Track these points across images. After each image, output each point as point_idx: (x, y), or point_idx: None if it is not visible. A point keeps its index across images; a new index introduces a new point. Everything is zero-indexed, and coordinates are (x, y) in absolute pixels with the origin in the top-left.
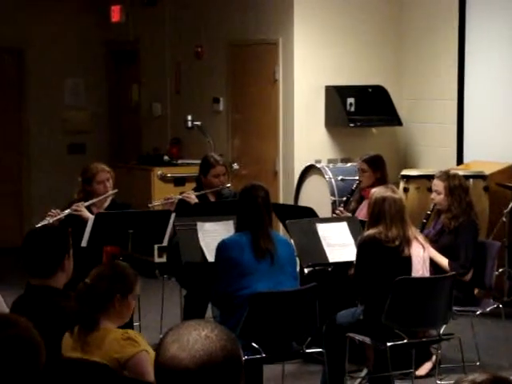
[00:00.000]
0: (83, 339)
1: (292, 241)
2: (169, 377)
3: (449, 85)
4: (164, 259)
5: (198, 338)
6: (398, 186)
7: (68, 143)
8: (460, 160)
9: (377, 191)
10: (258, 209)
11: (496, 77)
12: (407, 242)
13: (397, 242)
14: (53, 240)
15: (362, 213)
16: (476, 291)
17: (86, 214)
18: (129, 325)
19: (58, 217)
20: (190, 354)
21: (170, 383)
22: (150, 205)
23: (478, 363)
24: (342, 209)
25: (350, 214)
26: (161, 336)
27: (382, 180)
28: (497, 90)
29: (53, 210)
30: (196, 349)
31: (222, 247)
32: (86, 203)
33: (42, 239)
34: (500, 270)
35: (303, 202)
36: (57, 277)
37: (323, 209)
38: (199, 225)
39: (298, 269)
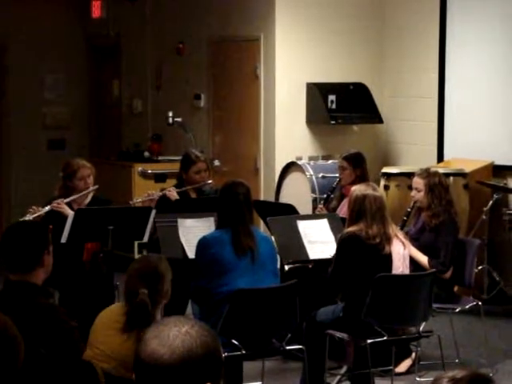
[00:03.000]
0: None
1: (273, 238)
2: (148, 372)
3: (430, 83)
4: None
5: (178, 334)
6: (378, 184)
7: (48, 139)
8: (440, 158)
9: (357, 189)
10: (238, 205)
11: (477, 75)
12: (388, 240)
13: (377, 240)
14: (31, 235)
15: (343, 210)
16: (456, 289)
17: (67, 210)
18: None
19: (38, 213)
20: (170, 350)
21: (150, 379)
22: (131, 202)
23: (457, 360)
24: (322, 206)
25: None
26: None
27: (362, 177)
28: (477, 88)
29: (33, 207)
30: (176, 344)
31: (203, 244)
32: (67, 199)
33: (21, 234)
34: (479, 268)
35: (284, 199)
36: (36, 272)
37: (304, 206)
38: (180, 221)
39: (278, 266)
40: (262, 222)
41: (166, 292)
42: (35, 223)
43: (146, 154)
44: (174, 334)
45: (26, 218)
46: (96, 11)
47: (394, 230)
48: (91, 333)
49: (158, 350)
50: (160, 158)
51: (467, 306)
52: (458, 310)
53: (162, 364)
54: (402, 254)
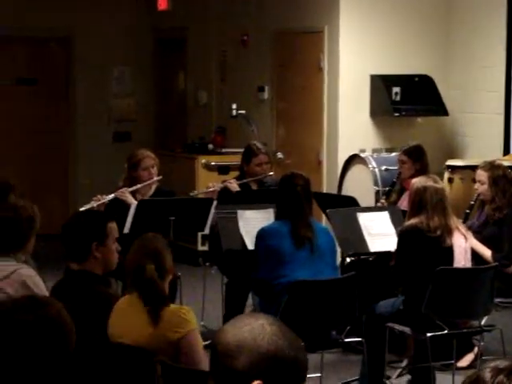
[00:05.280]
0: (158, 317)
1: (333, 230)
2: (212, 349)
3: (496, 75)
4: (207, 247)
5: (251, 322)
6: (442, 177)
7: (114, 131)
8: (507, 151)
9: (418, 181)
10: (297, 197)
11: None
12: (449, 232)
13: (438, 232)
14: (81, 227)
15: (403, 204)
16: None
17: (131, 199)
18: None
19: (102, 201)
20: (235, 330)
21: (212, 355)
22: (191, 193)
23: None
24: (383, 201)
25: None
26: (202, 323)
27: (422, 171)
28: None
29: (98, 196)
30: (244, 329)
31: (262, 235)
32: (131, 189)
33: (74, 225)
34: None
35: (347, 191)
36: (90, 262)
37: (367, 199)
38: (239, 212)
39: (338, 258)
40: (323, 215)
41: (170, 267)
42: (89, 214)
43: (210, 146)
44: (249, 322)
45: (89, 206)
46: (162, 3)
47: (455, 222)
48: (109, 328)
49: (227, 329)
50: (223, 150)
51: None
52: None
53: (219, 341)
54: (464, 247)
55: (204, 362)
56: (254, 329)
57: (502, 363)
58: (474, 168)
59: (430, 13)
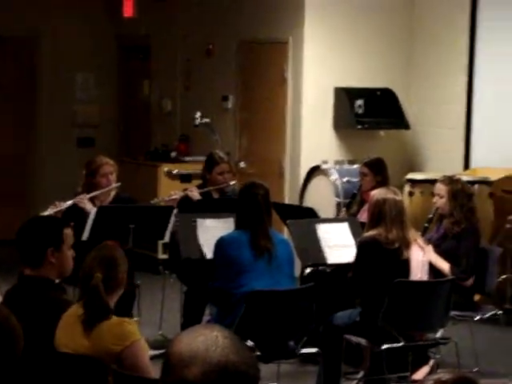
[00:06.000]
0: (92, 329)
1: (292, 240)
2: (165, 358)
3: (457, 89)
4: (167, 255)
5: (205, 333)
6: (402, 190)
7: (77, 137)
8: (466, 165)
9: (378, 192)
10: (257, 207)
11: (505, 81)
12: (406, 245)
13: (396, 245)
14: (36, 232)
15: (363, 216)
16: (478, 297)
17: (89, 206)
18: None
19: (60, 207)
20: (188, 340)
21: (164, 364)
22: (152, 201)
23: (476, 369)
24: (344, 213)
25: None
26: (160, 332)
27: (382, 183)
28: (506, 95)
29: (56, 202)
30: (197, 339)
31: (221, 244)
32: (89, 195)
33: (28, 230)
34: (504, 277)
35: (308, 202)
36: (45, 268)
37: (328, 210)
38: (199, 221)
39: (297, 269)
40: (283, 225)
41: (122, 280)
42: (45, 219)
43: (173, 154)
44: (203, 333)
45: (47, 213)
46: (127, 11)
47: (413, 235)
48: (55, 336)
49: (181, 338)
50: (186, 158)
51: (487, 315)
52: (477, 318)
53: (173, 350)
54: (421, 260)
55: (149, 372)
56: (208, 340)
57: (444, 375)
58: (433, 182)
59: (393, 28)
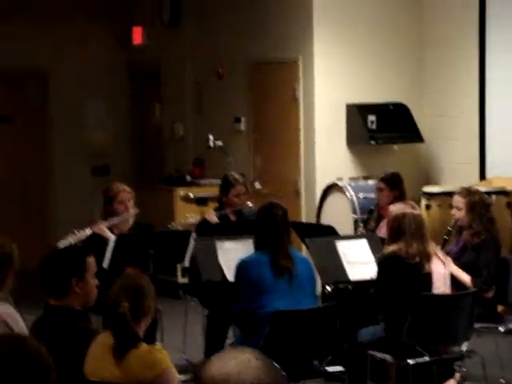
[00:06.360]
0: (123, 358)
1: (312, 259)
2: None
3: (470, 100)
4: (187, 280)
5: (237, 356)
6: (419, 204)
7: (92, 166)
8: (482, 176)
9: (396, 208)
10: (276, 227)
11: None
12: (427, 259)
13: (417, 259)
14: (60, 263)
15: (382, 231)
16: (501, 308)
17: (108, 234)
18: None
19: (79, 236)
20: (222, 364)
21: None
22: (169, 226)
23: (502, 381)
24: (362, 230)
25: None
26: (184, 356)
27: (400, 198)
28: None
29: (74, 231)
30: (230, 363)
31: (242, 266)
32: (107, 222)
33: (52, 261)
34: None
35: (325, 220)
36: (70, 298)
37: (346, 227)
38: (219, 244)
39: (318, 287)
40: (302, 244)
41: (149, 308)
42: (69, 249)
43: (188, 177)
44: (235, 355)
45: (66, 242)
46: (137, 38)
47: (433, 248)
48: (85, 366)
49: (213, 362)
50: (201, 181)
51: (511, 326)
52: (502, 329)
53: (205, 374)
54: (443, 273)
55: None
56: (240, 363)
57: None
58: (450, 194)
59: (403, 41)
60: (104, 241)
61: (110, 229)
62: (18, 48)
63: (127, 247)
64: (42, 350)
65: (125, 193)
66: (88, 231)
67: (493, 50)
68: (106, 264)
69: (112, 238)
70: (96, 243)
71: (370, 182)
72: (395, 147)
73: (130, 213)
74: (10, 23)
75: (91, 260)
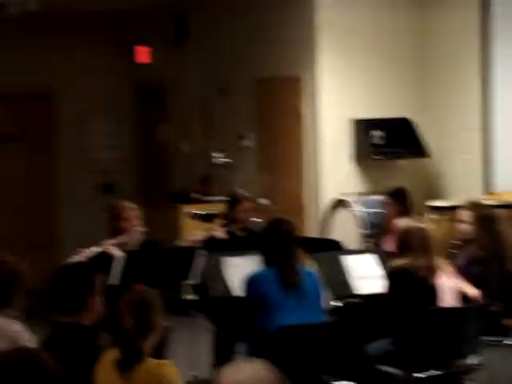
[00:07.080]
0: (129, 372)
1: (319, 273)
2: None
3: (474, 114)
4: (194, 296)
5: (250, 365)
6: (424, 218)
7: (97, 183)
8: (487, 190)
9: (402, 222)
10: (283, 242)
11: None
12: (433, 272)
13: (424, 272)
14: (75, 279)
15: (387, 245)
16: (509, 321)
17: (115, 251)
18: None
19: (86, 254)
20: (236, 371)
21: None
22: (176, 243)
23: None
24: (368, 244)
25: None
26: (192, 373)
27: (405, 212)
28: None
29: (81, 249)
30: (244, 370)
31: (250, 282)
32: (116, 241)
33: (66, 277)
34: None
35: (332, 235)
36: (83, 315)
37: (352, 242)
38: (226, 260)
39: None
40: (308, 259)
41: (155, 324)
42: (80, 266)
43: (194, 195)
44: (245, 366)
45: (74, 260)
46: (142, 56)
47: (440, 262)
48: (93, 381)
49: (227, 373)
50: (208, 198)
51: None
52: (509, 343)
53: (221, 381)
54: (449, 286)
55: None
56: (252, 373)
57: None
58: (456, 208)
59: (405, 57)
60: (109, 258)
61: (118, 246)
62: (25, 69)
63: (136, 264)
64: (54, 364)
65: (130, 210)
66: (95, 249)
67: (496, 62)
68: (116, 281)
69: (119, 255)
70: (102, 260)
71: (375, 197)
72: (400, 162)
73: (137, 230)
74: (18, 46)
75: (99, 277)
